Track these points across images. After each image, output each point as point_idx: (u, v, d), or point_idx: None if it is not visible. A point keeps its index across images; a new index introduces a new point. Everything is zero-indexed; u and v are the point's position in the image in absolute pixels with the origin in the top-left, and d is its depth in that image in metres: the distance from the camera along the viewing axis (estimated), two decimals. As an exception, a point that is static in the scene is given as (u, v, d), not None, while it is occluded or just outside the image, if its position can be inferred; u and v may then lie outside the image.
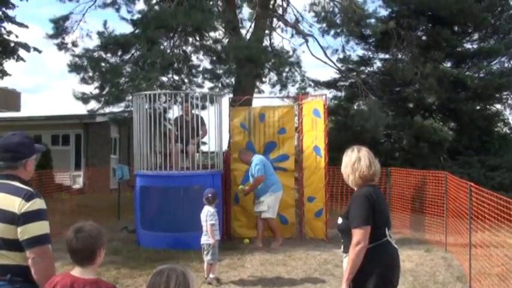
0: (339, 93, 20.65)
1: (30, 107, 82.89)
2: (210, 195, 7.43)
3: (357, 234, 3.62)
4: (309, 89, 19.37)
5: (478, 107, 17.95)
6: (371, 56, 20.45)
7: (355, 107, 19.23)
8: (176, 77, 15.11)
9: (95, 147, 20.91)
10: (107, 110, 14.41)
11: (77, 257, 2.77)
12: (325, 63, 18.34)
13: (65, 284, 2.77)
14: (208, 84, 15.76)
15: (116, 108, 14.27)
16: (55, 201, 14.67)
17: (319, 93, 15.35)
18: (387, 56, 19.72)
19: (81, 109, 17.21)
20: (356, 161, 3.81)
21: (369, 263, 3.63)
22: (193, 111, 9.90)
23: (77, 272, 2.79)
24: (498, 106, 19.20)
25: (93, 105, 13.82)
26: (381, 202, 3.86)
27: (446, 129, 17.74)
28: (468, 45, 19.14)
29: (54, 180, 16.40)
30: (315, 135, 10.15)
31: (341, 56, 19.12)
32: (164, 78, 14.40)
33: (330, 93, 20.45)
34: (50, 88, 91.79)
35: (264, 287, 7.02)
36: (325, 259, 8.43)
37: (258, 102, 40.29)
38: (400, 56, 18.66)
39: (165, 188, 9.34)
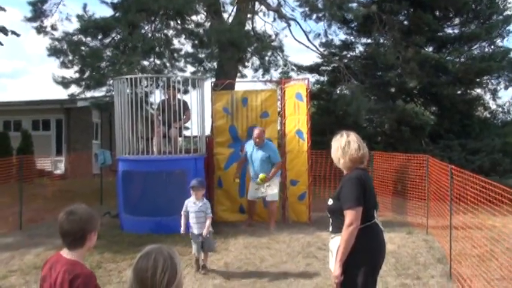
0: (322, 78, 20.65)
1: (10, 92, 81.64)
2: (196, 183, 7.02)
3: (350, 215, 3.69)
4: (292, 74, 19.40)
5: (458, 92, 18.06)
6: (353, 40, 20.45)
7: (338, 92, 19.26)
8: (158, 61, 14.95)
9: (76, 133, 20.72)
10: (88, 94, 14.25)
11: (66, 239, 2.81)
12: (308, 47, 18.36)
13: (52, 262, 2.86)
14: (190, 69, 15.65)
15: (97, 93, 14.12)
16: (36, 186, 14.55)
17: (301, 77, 15.31)
18: (369, 41, 19.72)
19: (62, 94, 17.07)
20: (346, 144, 3.90)
21: (359, 243, 3.71)
22: (178, 96, 9.82)
23: (63, 252, 2.84)
24: (478, 90, 19.37)
25: (73, 89, 13.67)
26: (371, 185, 3.98)
27: (427, 113, 17.81)
28: (449, 30, 19.20)
29: (35, 165, 16.27)
30: (297, 118, 10.15)
31: (323, 40, 19.10)
32: (146, 63, 14.26)
33: (312, 77, 20.45)
34: (29, 73, 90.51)
35: (248, 269, 7.05)
36: (308, 242, 8.49)
37: (240, 86, 40.23)
38: (382, 40, 18.68)
39: (147, 173, 9.29)
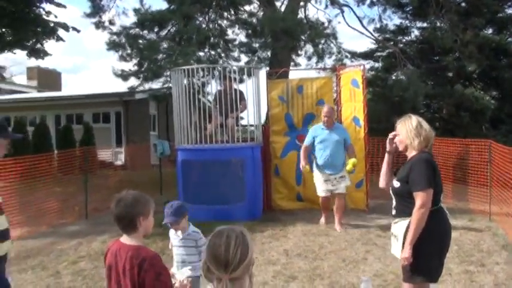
0: (376, 64, 20.35)
1: (70, 87, 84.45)
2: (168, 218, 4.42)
3: (421, 197, 3.70)
4: (346, 61, 19.11)
5: (521, 75, 17.40)
6: (408, 24, 20.01)
7: (393, 78, 18.93)
8: (212, 52, 15.13)
9: (135, 124, 21.24)
10: (146, 86, 14.56)
11: (119, 224, 2.94)
12: (362, 33, 18.08)
13: (114, 250, 2.98)
14: (244, 58, 15.77)
15: (155, 85, 14.42)
16: (98, 177, 15.06)
17: (356, 64, 15.12)
18: (425, 25, 19.27)
19: (120, 87, 17.51)
20: (418, 125, 3.92)
21: (428, 226, 3.72)
22: (234, 86, 9.92)
23: (123, 239, 2.95)
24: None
25: (132, 82, 14.01)
26: (438, 168, 3.92)
27: (487, 97, 17.26)
28: (510, 11, 18.51)
29: (97, 156, 16.82)
30: (353, 106, 10.08)
31: (378, 25, 18.79)
32: (201, 53, 14.45)
33: (367, 64, 20.17)
34: (88, 68, 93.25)
35: (308, 256, 7.09)
36: (367, 229, 8.45)
37: (295, 74, 40.08)
38: (438, 23, 18.20)
39: (206, 162, 9.44)
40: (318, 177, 8.43)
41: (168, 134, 21.43)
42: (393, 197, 4.07)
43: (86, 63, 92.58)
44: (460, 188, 11.30)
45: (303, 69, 18.17)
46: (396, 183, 3.99)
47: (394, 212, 4.07)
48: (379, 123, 13.66)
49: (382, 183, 4.29)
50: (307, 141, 8.42)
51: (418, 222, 3.72)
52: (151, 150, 21.35)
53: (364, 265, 6.65)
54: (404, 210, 3.91)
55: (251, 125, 10.02)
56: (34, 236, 8.58)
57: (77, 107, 21.02)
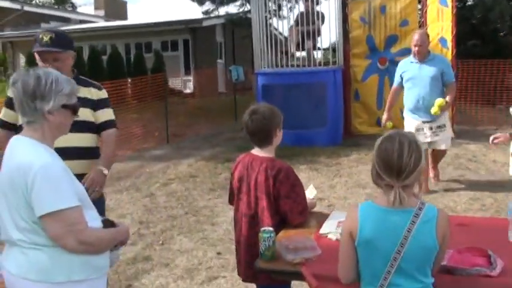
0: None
1: (134, 16, 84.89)
2: None
3: None
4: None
5: None
6: None
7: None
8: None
9: (202, 52, 21.15)
10: (222, 11, 14.28)
11: (253, 138, 2.88)
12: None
13: (246, 162, 2.94)
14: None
15: (231, 8, 14.12)
16: (170, 104, 15.29)
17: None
18: None
19: (186, 14, 17.28)
20: None
21: None
22: (316, 9, 9.56)
23: (256, 151, 2.90)
24: None
25: (208, 6, 13.77)
26: None
27: None
28: None
29: (168, 84, 17.01)
30: (440, 26, 9.54)
31: None
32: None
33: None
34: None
35: (398, 180, 6.96)
36: (456, 154, 8.17)
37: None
38: None
39: (286, 85, 9.29)
40: (408, 125, 6.25)
41: (234, 61, 21.28)
42: None
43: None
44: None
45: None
46: None
47: None
48: (458, 46, 12.95)
49: None
50: (395, 81, 6.45)
51: None
52: (219, 78, 21.45)
53: (459, 189, 6.48)
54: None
55: (333, 49, 9.69)
56: (121, 160, 8.84)
57: (145, 35, 21.06)
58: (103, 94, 3.42)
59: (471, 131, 9.80)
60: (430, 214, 2.03)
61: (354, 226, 2.06)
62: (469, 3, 17.26)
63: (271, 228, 2.48)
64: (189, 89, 20.82)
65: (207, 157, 8.92)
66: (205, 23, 20.32)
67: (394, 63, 9.81)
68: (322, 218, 2.98)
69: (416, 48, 6.01)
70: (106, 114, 3.38)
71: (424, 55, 6.05)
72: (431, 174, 6.78)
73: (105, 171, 3.20)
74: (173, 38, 21.24)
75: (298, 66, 9.45)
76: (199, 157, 8.93)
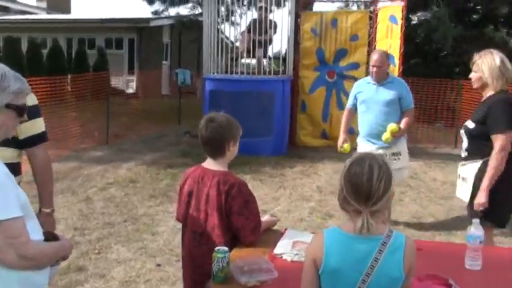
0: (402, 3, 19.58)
1: (78, 11, 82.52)
2: None
3: (501, 140, 3.46)
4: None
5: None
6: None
7: (416, 18, 18.28)
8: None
9: (148, 52, 20.74)
10: (172, 11, 13.96)
11: (206, 147, 2.74)
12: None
13: (196, 176, 2.76)
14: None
15: (182, 10, 13.82)
16: (112, 104, 14.84)
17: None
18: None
19: (133, 13, 16.87)
20: (501, 63, 3.57)
21: (505, 170, 3.49)
22: (270, 18, 9.48)
23: (207, 164, 2.74)
24: None
25: (157, 6, 13.42)
26: None
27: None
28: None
29: (110, 83, 16.51)
30: (389, 43, 9.67)
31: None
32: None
33: (389, 1, 19.41)
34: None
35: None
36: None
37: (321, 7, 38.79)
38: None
39: (235, 92, 9.13)
40: (360, 150, 5.39)
41: (179, 64, 20.99)
42: (464, 138, 3.82)
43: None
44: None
45: (338, 0, 17.23)
46: (470, 124, 3.74)
47: (464, 154, 3.83)
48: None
49: None
50: (349, 102, 5.84)
51: (497, 166, 3.50)
52: (163, 80, 21.06)
53: (400, 206, 6.53)
54: (477, 153, 3.68)
55: (283, 58, 9.64)
56: (58, 160, 8.40)
57: (89, 31, 20.44)
58: (31, 100, 2.64)
59: (412, 148, 9.87)
60: (397, 242, 1.92)
61: (319, 254, 1.92)
62: (414, 22, 17.72)
63: (226, 248, 2.31)
64: (131, 89, 20.34)
65: (149, 162, 8.63)
66: (152, 23, 19.94)
67: (342, 77, 9.99)
68: (276, 236, 2.83)
69: (375, 69, 5.39)
70: (34, 127, 2.74)
71: (382, 77, 5.43)
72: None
73: (50, 210, 2.85)
74: (118, 35, 20.73)
75: (247, 73, 9.32)
76: (140, 161, 8.63)
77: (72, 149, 9.56)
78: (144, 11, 20.07)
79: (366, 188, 1.85)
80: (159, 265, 4.55)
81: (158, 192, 6.85)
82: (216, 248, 2.31)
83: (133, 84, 20.48)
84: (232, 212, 2.62)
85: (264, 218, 2.94)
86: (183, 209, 2.81)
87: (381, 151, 5.10)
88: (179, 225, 5.44)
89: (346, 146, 5.63)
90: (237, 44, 9.77)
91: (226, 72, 9.35)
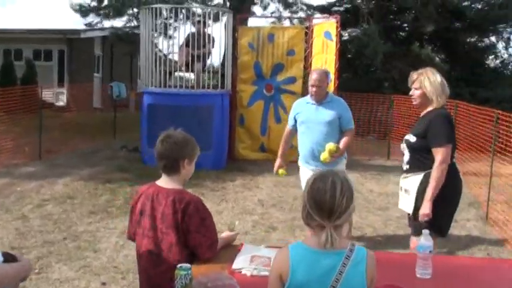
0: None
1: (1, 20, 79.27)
2: None
3: (442, 153, 3.61)
4: (301, 13, 18.85)
5: (472, 39, 17.85)
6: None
7: (347, 34, 18.90)
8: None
9: (79, 65, 20.23)
10: (106, 24, 13.74)
11: (160, 163, 2.71)
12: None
13: (150, 194, 2.72)
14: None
15: (116, 23, 13.61)
16: (43, 118, 14.34)
17: (327, 16, 14.92)
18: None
19: (61, 24, 16.47)
20: (441, 80, 3.75)
21: (447, 182, 3.65)
22: (207, 32, 9.51)
23: (162, 182, 2.71)
24: (493, 38, 19.11)
25: (91, 18, 13.16)
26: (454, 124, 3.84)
27: (437, 59, 17.62)
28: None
29: (39, 96, 15.96)
30: (324, 58, 9.93)
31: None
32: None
33: (323, 18, 19.95)
34: (14, 1, 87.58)
35: (283, 207, 7.04)
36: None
37: (256, 22, 39.20)
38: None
39: (174, 106, 9.08)
40: (302, 175, 5.47)
41: (111, 76, 20.61)
42: (406, 152, 3.96)
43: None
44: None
45: (271, 16, 17.55)
46: (411, 138, 3.89)
47: (406, 167, 3.96)
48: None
49: None
50: (288, 123, 5.53)
51: (439, 178, 3.65)
52: (95, 92, 20.57)
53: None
54: (419, 166, 3.82)
55: (222, 73, 9.68)
56: (-13, 176, 8.03)
57: (15, 42, 19.70)
58: None
59: (347, 160, 10.23)
60: (360, 255, 1.99)
61: (285, 269, 1.95)
62: (345, 38, 18.31)
63: (188, 265, 2.29)
64: (62, 101, 19.70)
65: (86, 177, 8.40)
66: (83, 35, 19.50)
67: (280, 91, 10.15)
68: (233, 251, 2.84)
69: (314, 89, 5.10)
70: None
71: (322, 96, 5.16)
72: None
73: None
74: (47, 47, 20.10)
75: (186, 87, 9.29)
76: (76, 176, 8.39)
77: (2, 164, 9.16)
78: (75, 22, 19.61)
79: (329, 204, 1.90)
80: (104, 283, 4.43)
81: (98, 208, 6.68)
82: (179, 265, 2.29)
83: (64, 97, 19.87)
84: (189, 230, 2.60)
85: (224, 234, 2.95)
86: (134, 228, 2.76)
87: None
88: (122, 242, 5.40)
89: (281, 172, 5.48)
90: (174, 57, 9.70)
91: (164, 86, 9.27)
